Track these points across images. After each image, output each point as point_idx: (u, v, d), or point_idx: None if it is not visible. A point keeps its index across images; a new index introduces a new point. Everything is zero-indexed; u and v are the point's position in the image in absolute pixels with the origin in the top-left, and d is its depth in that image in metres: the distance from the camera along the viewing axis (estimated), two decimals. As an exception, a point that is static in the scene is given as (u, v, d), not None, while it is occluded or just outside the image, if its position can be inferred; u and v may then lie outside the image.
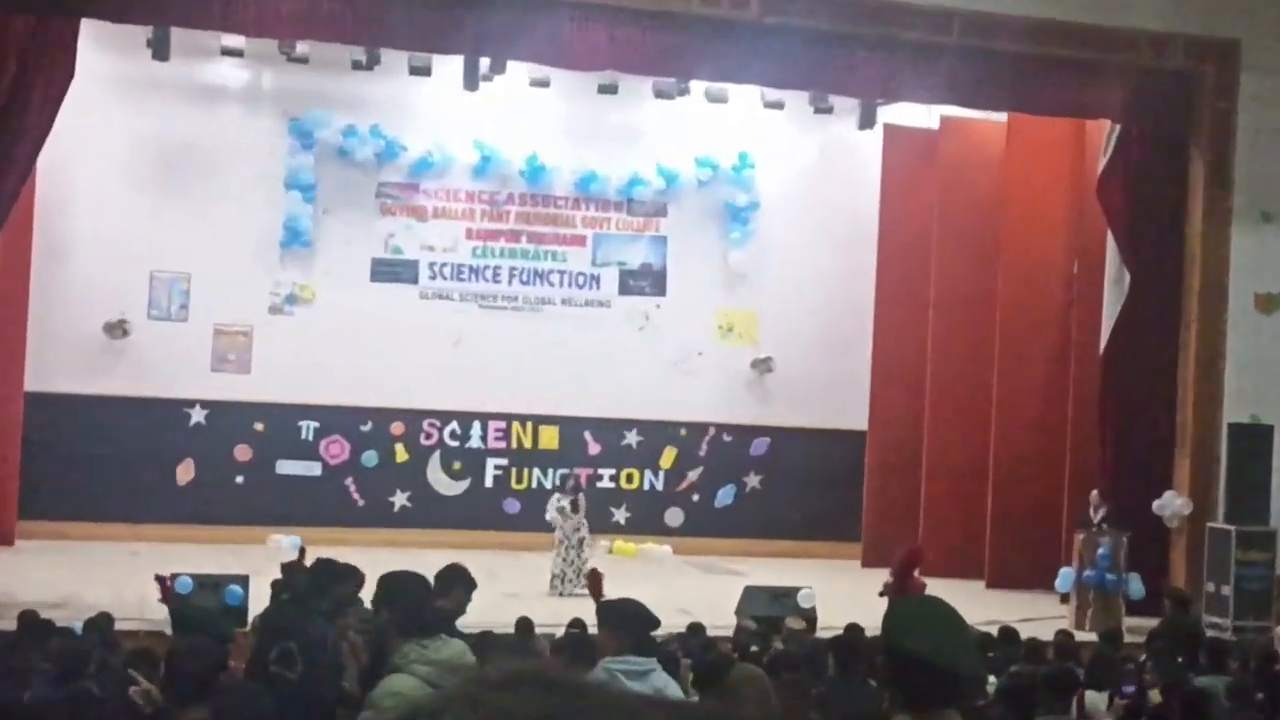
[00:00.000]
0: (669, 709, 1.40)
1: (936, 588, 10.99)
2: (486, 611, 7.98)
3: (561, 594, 14.36)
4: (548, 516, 15.18)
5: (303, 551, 10.35)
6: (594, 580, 9.09)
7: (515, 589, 13.53)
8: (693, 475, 19.28)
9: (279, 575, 9.26)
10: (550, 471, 18.70)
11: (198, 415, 17.94)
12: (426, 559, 16.11)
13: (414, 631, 4.67)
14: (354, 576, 7.94)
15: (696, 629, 10.29)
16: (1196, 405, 15.31)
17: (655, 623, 5.50)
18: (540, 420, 18.89)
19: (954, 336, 17.59)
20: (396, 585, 5.06)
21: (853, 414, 18.69)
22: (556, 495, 15.47)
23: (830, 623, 11.41)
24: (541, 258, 19.02)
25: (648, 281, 19.30)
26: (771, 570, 15.57)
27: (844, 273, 19.07)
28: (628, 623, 5.36)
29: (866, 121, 18.20)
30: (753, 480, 19.39)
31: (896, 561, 13.01)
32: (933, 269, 17.77)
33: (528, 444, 18.91)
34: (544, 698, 1.32)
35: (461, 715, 1.32)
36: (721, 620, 11.74)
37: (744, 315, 19.46)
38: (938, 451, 17.67)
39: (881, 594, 12.09)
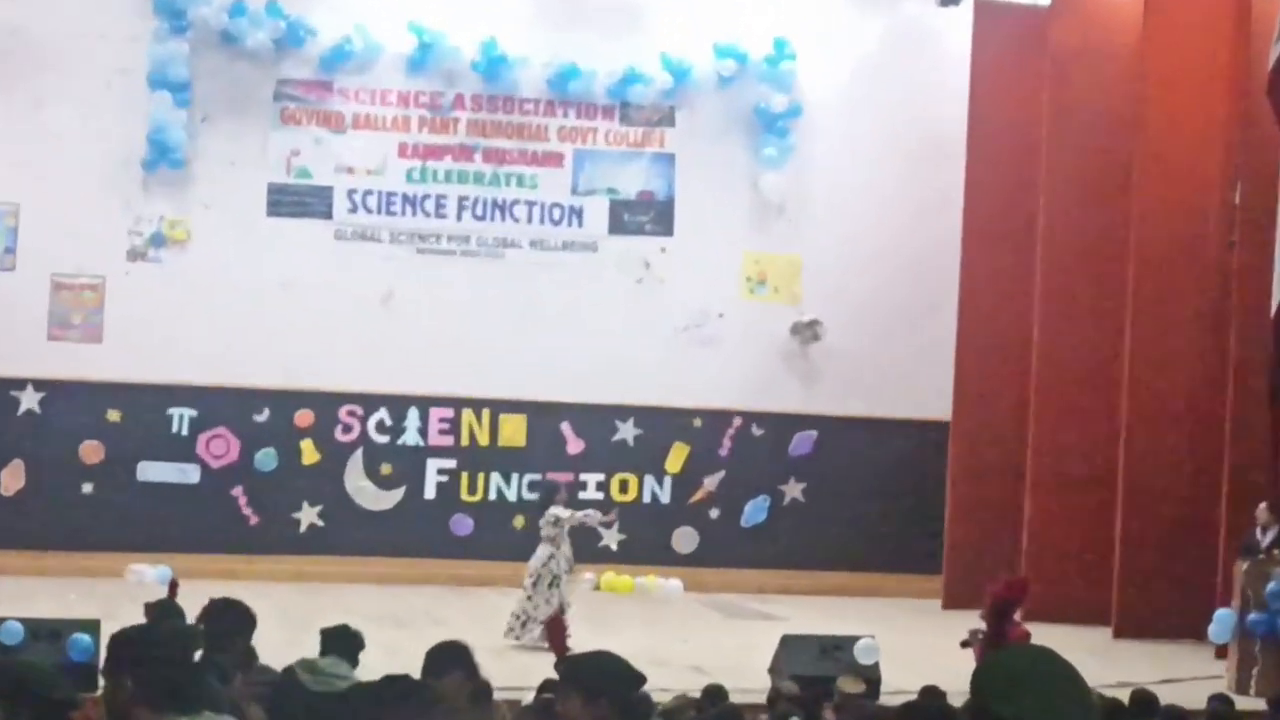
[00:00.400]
0: None
1: (1044, 636, 11.01)
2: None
3: (519, 639, 13.81)
4: (567, 517, 14.19)
5: (174, 586, 10.36)
6: (555, 629, 9.08)
7: (467, 638, 13.53)
8: (710, 483, 19.33)
9: (143, 619, 9.28)
10: (514, 477, 18.73)
11: (29, 400, 17.95)
12: (345, 596, 16.23)
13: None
14: (247, 623, 7.94)
15: (716, 693, 10.31)
16: (1403, 387, 15.34)
17: (639, 680, 5.53)
18: (501, 407, 18.91)
19: (1069, 294, 17.59)
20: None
21: (930, 399, 18.72)
22: (552, 509, 14.58)
23: (899, 685, 11.47)
24: (502, 183, 19.02)
25: (649, 216, 19.30)
26: (819, 613, 15.61)
27: (918, 204, 19.07)
28: (603, 683, 5.39)
29: (950, -4, 18.16)
30: (793, 490, 19.43)
31: (990, 601, 13.01)
32: (1041, 200, 17.76)
33: (483, 440, 18.94)
34: None
35: None
36: (750, 681, 11.78)
37: (781, 262, 19.47)
38: (1047, 451, 17.68)
39: (966, 644, 12.15)
